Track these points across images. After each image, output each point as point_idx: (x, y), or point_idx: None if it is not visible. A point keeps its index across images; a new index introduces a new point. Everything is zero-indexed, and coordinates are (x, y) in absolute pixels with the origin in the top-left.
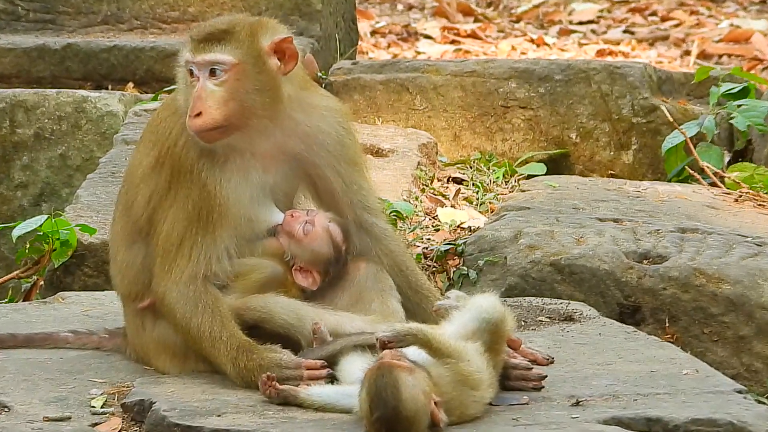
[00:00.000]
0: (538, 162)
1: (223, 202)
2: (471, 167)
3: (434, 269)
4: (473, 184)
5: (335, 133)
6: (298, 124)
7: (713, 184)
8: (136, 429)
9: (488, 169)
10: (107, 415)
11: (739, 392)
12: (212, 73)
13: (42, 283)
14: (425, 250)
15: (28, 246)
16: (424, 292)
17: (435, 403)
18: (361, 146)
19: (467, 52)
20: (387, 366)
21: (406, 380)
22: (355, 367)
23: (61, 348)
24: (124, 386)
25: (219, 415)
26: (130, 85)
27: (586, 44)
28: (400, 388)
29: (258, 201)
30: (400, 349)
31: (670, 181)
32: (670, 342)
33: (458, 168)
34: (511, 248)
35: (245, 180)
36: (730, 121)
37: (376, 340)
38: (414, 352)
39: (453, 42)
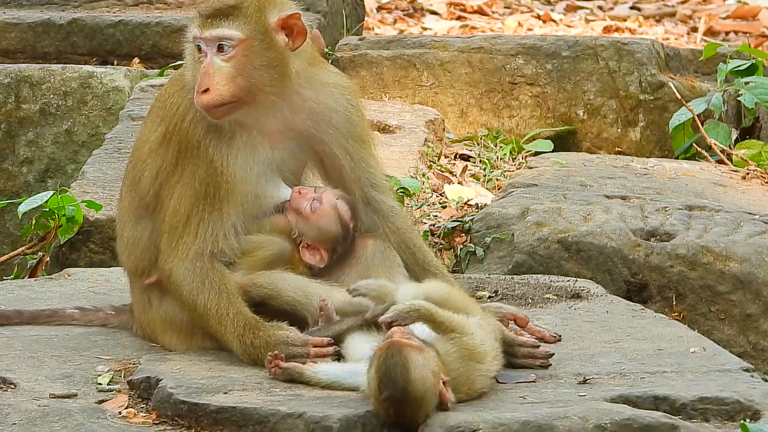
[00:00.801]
0: (545, 139)
1: (230, 179)
2: (478, 144)
3: (441, 246)
4: (480, 161)
5: (343, 110)
6: (305, 101)
7: (721, 162)
8: (142, 406)
9: (495, 145)
10: (113, 392)
11: (746, 370)
12: (220, 48)
13: (48, 259)
14: (432, 227)
15: (33, 222)
16: (431, 269)
17: (443, 383)
18: (368, 123)
19: (473, 28)
20: (396, 345)
21: (415, 360)
22: (362, 344)
23: (67, 325)
24: (130, 363)
25: (226, 393)
26: (136, 60)
27: (593, 20)
28: (410, 368)
29: (265, 177)
30: (408, 326)
31: (677, 158)
32: (677, 320)
33: (465, 144)
34: (518, 225)
35: (252, 156)
36: (738, 99)
37: (381, 321)
38: (420, 328)
39: (459, 18)
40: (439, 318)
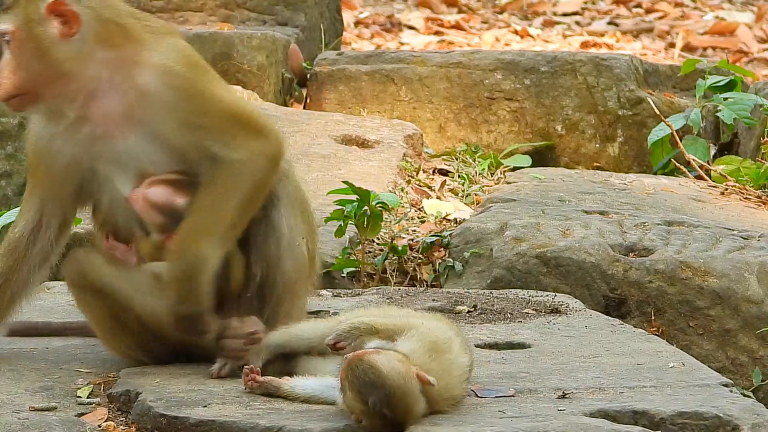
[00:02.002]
0: (524, 154)
1: (57, 169)
2: (456, 159)
3: (420, 261)
4: (459, 176)
5: (170, 90)
6: (125, 85)
7: (699, 177)
8: (122, 419)
9: (474, 160)
10: (93, 405)
11: (725, 386)
12: (7, 43)
13: None
14: (411, 242)
15: None
16: None
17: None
18: (207, 89)
19: (451, 43)
20: (355, 358)
21: (378, 359)
22: (320, 363)
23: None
24: (110, 376)
25: (205, 406)
26: None
27: (570, 36)
28: (378, 367)
29: (105, 168)
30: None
31: (656, 173)
32: (656, 335)
33: (444, 159)
34: (496, 240)
35: (82, 146)
36: (717, 114)
37: (326, 343)
38: (371, 344)
39: (437, 33)
40: (380, 327)
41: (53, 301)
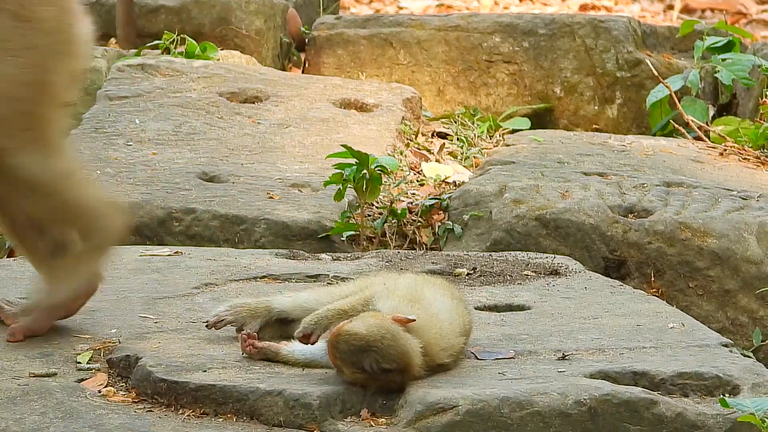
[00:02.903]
0: (522, 116)
1: None
2: (455, 122)
3: (419, 224)
4: (458, 139)
5: None
6: None
7: (698, 138)
8: (122, 385)
9: (472, 123)
10: (93, 371)
11: (725, 346)
12: None
13: None
14: (410, 205)
15: None
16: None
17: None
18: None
19: (449, 6)
20: (333, 338)
21: (353, 326)
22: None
23: None
24: (110, 342)
25: (205, 371)
26: (113, 40)
27: None
28: (356, 332)
29: None
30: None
31: (654, 135)
32: (655, 296)
33: (442, 123)
34: (496, 203)
35: None
36: (715, 75)
37: (296, 336)
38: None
39: None
40: (348, 308)
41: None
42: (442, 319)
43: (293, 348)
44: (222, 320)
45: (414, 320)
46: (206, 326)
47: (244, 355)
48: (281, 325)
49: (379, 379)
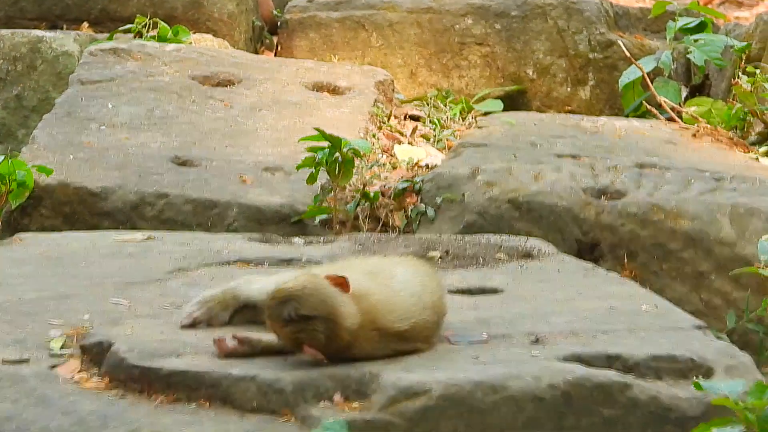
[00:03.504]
0: (495, 99)
1: None
2: (428, 104)
3: (392, 207)
4: (430, 122)
5: None
6: None
7: (671, 119)
8: (95, 371)
9: (445, 106)
10: (66, 357)
11: (699, 328)
12: None
13: None
14: (383, 188)
15: None
16: None
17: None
18: None
19: None
20: (266, 305)
21: (282, 284)
22: None
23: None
24: (82, 328)
25: (178, 356)
26: (85, 24)
27: None
28: (282, 287)
29: None
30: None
31: (627, 116)
32: (628, 278)
33: (415, 105)
34: (468, 185)
35: None
36: (688, 56)
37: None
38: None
39: None
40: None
41: (26, 252)
42: (397, 288)
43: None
44: (196, 320)
45: (344, 277)
46: (181, 327)
47: (222, 357)
48: (250, 310)
49: (305, 330)
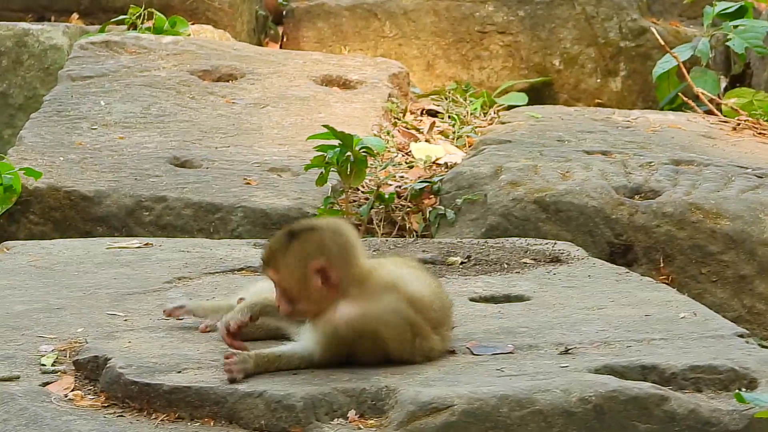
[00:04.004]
0: (519, 91)
1: None
2: (446, 98)
3: (409, 209)
4: (449, 117)
5: None
6: None
7: (709, 112)
8: (90, 388)
9: (465, 100)
10: (58, 373)
11: (741, 336)
12: None
13: None
14: (398, 189)
15: None
16: None
17: None
18: None
19: None
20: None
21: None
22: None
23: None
24: (75, 342)
25: (179, 372)
26: (75, 16)
27: None
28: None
29: None
30: None
31: (662, 109)
32: (665, 283)
33: (432, 99)
34: (491, 185)
35: None
36: (727, 44)
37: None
38: None
39: None
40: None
41: (13, 262)
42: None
43: (292, 347)
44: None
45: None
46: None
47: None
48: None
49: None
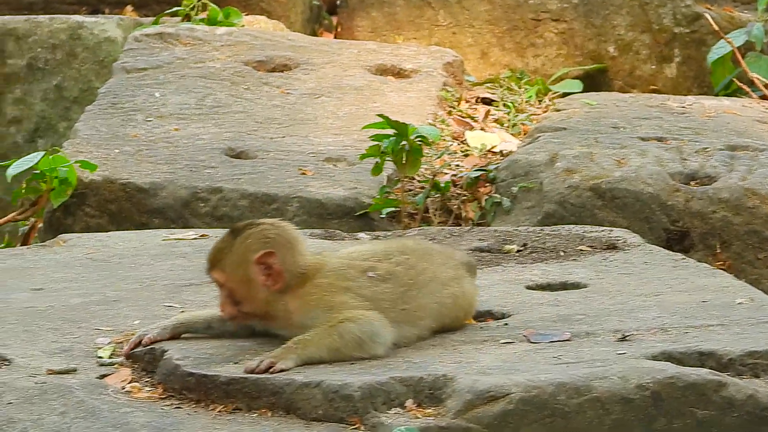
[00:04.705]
0: (574, 79)
1: None
2: (501, 86)
3: (464, 198)
4: (504, 105)
5: None
6: None
7: (764, 97)
8: (147, 380)
9: (519, 87)
10: (115, 366)
11: None
12: None
13: (41, 225)
14: (454, 177)
15: (24, 186)
16: None
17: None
18: None
19: None
20: None
21: None
22: None
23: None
24: (132, 334)
25: (236, 363)
26: (129, 8)
27: None
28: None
29: None
30: None
31: (717, 95)
32: (721, 269)
33: (487, 87)
34: (546, 173)
35: None
36: None
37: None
38: None
39: None
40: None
41: (69, 255)
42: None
43: None
44: None
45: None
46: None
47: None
48: None
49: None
